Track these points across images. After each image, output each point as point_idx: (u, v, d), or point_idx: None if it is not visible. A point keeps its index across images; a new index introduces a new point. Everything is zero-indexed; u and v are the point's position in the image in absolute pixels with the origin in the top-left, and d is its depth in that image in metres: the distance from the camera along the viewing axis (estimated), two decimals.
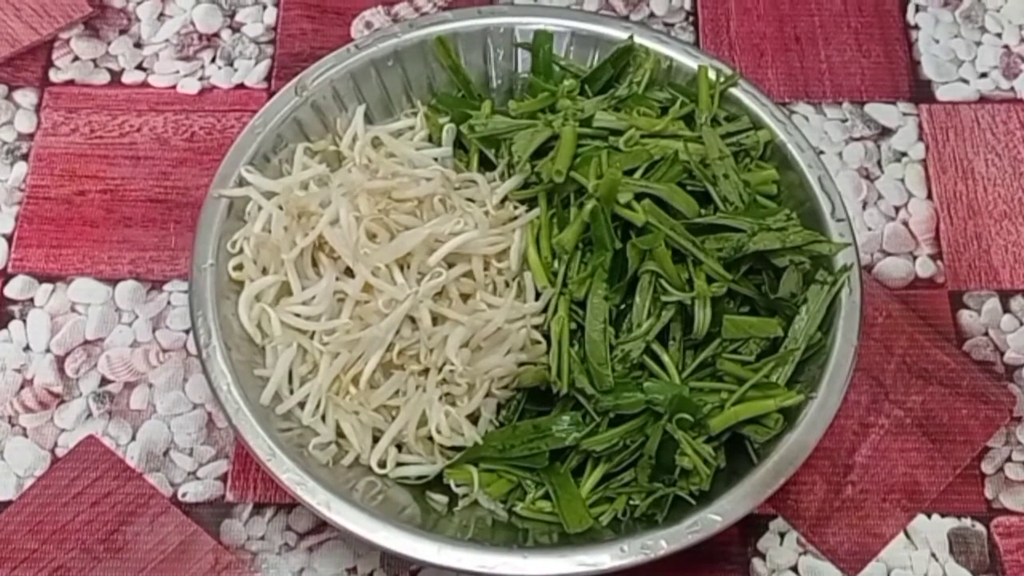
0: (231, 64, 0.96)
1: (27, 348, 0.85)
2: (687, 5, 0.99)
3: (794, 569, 0.79)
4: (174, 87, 0.96)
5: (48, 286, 0.87)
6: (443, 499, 0.75)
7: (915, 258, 0.89)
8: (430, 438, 0.75)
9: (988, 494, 0.81)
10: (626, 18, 0.97)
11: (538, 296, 0.77)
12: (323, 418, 0.76)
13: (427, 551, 0.70)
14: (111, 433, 0.83)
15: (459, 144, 0.85)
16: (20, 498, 0.80)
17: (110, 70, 0.96)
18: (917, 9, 0.99)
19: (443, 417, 0.74)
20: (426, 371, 0.75)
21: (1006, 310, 0.87)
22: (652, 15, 0.99)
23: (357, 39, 0.87)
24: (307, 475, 0.72)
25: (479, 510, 0.75)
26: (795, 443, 0.73)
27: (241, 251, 0.79)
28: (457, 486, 0.75)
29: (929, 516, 0.81)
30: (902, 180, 0.92)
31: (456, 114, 0.84)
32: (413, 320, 0.75)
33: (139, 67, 0.96)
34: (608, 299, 0.75)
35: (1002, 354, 0.86)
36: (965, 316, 0.87)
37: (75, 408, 0.84)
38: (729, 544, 0.79)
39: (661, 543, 0.70)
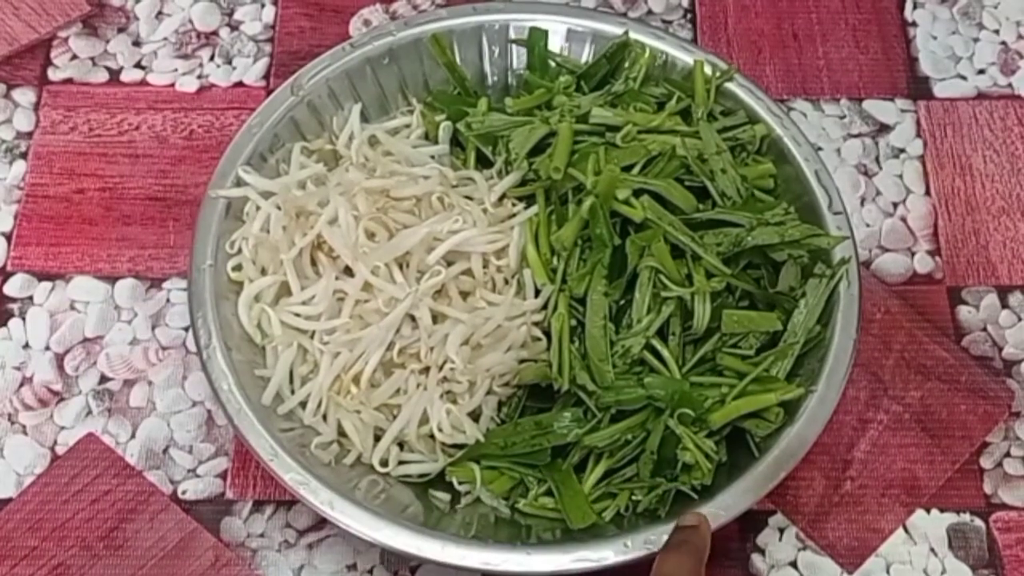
0: (229, 62, 0.96)
1: (26, 346, 0.85)
2: (685, 2, 0.99)
3: (793, 564, 0.79)
4: (172, 85, 0.96)
5: (47, 284, 0.87)
6: (446, 497, 0.75)
7: (913, 254, 0.89)
8: (432, 436, 0.75)
9: (987, 489, 0.82)
10: (624, 15, 0.97)
11: (538, 293, 0.77)
12: (324, 417, 0.76)
13: (431, 549, 0.70)
14: (111, 431, 0.83)
15: (456, 142, 0.85)
16: (20, 496, 0.80)
17: (108, 68, 0.96)
18: (915, 6, 0.99)
19: (444, 415, 0.74)
20: (427, 369, 0.75)
21: (1004, 306, 0.88)
22: (650, 12, 0.99)
23: (352, 38, 0.87)
24: (310, 475, 0.72)
25: (481, 507, 0.75)
26: (796, 436, 0.73)
27: (240, 251, 0.79)
28: (459, 484, 0.76)
29: (928, 511, 0.81)
30: (900, 176, 0.92)
31: (452, 111, 0.84)
32: (413, 319, 0.75)
33: (137, 65, 0.96)
34: (608, 295, 0.75)
35: (1000, 349, 0.86)
36: (963, 312, 0.87)
37: (75, 406, 0.84)
38: (729, 540, 0.80)
39: (664, 538, 0.70)
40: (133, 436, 0.83)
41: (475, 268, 0.77)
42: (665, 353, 0.75)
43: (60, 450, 0.82)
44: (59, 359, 0.85)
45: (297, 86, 0.84)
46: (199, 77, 0.96)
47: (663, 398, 0.72)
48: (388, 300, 0.75)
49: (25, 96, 0.95)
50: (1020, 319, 0.87)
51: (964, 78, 0.96)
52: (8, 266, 0.88)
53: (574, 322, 0.75)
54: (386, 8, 0.99)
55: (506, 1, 0.88)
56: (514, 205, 0.80)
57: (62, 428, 0.83)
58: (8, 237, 0.89)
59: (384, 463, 0.75)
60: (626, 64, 0.86)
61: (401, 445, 0.76)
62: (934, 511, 0.81)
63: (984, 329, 0.87)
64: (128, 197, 0.91)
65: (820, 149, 0.91)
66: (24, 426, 0.83)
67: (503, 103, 0.85)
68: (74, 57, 0.97)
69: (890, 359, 0.85)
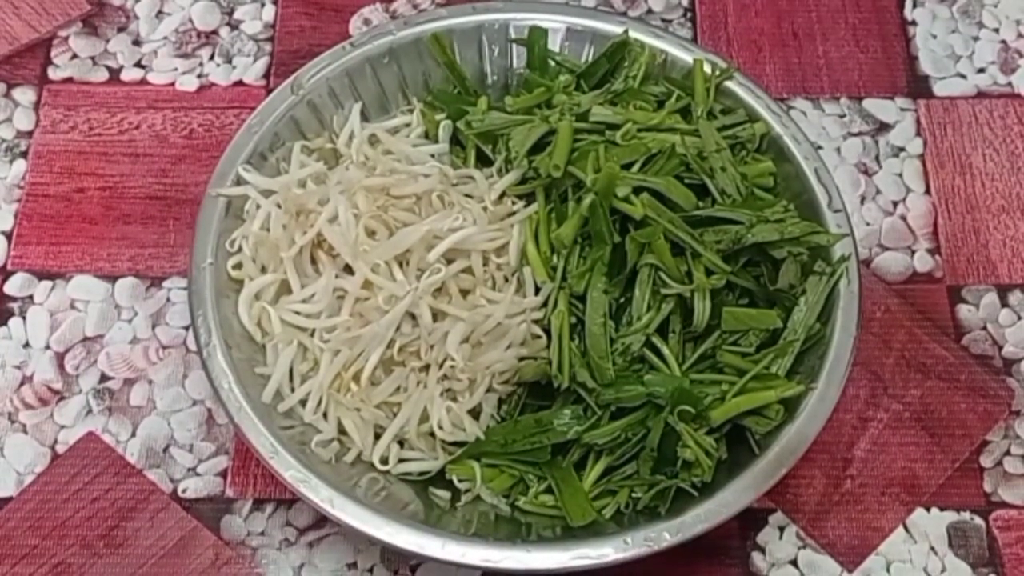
0: (229, 61, 0.97)
1: (27, 345, 0.85)
2: (685, 1, 0.99)
3: (793, 563, 0.79)
4: (173, 84, 0.96)
5: (47, 283, 0.87)
6: (446, 495, 0.75)
7: (913, 253, 0.89)
8: (432, 434, 0.75)
9: (987, 488, 0.81)
10: (623, 14, 0.97)
11: (538, 291, 0.77)
12: (324, 415, 0.75)
13: (431, 546, 0.70)
14: (111, 429, 0.83)
15: (456, 140, 0.85)
16: (20, 494, 0.80)
17: (109, 68, 0.96)
18: (915, 4, 0.99)
19: (444, 413, 0.74)
20: (427, 367, 0.75)
21: (1004, 304, 0.88)
22: (650, 11, 0.99)
23: (352, 37, 0.87)
24: (310, 473, 0.72)
25: (482, 505, 0.75)
26: (796, 434, 0.73)
27: (240, 250, 0.79)
28: (460, 481, 0.76)
29: (928, 510, 0.81)
30: (900, 175, 0.92)
31: (452, 110, 0.84)
32: (413, 316, 0.75)
33: (138, 64, 0.96)
34: (608, 293, 0.75)
35: (1000, 348, 0.86)
36: (963, 310, 0.87)
37: (75, 405, 0.84)
38: (729, 538, 0.79)
39: (664, 535, 0.70)
40: (133, 435, 0.83)
41: (475, 266, 0.77)
42: (665, 350, 0.75)
43: (60, 449, 0.82)
44: (59, 358, 0.85)
45: (297, 85, 0.84)
46: (199, 76, 0.96)
47: (663, 395, 0.72)
48: (388, 298, 0.75)
49: (25, 95, 0.95)
50: (1020, 318, 0.87)
51: (964, 77, 0.96)
52: (8, 265, 0.88)
53: (574, 319, 0.75)
54: (386, 7, 0.99)
55: (506, 0, 0.88)
56: (514, 203, 0.80)
57: (62, 427, 0.83)
58: (8, 236, 0.89)
59: (384, 461, 0.75)
60: (626, 63, 0.86)
61: (401, 443, 0.76)
62: (934, 510, 0.81)
63: (984, 328, 0.87)
64: (128, 196, 0.91)
65: (820, 148, 0.91)
66: (24, 425, 0.83)
67: (503, 102, 0.84)
68: (74, 56, 0.97)
69: (890, 358, 0.85)
